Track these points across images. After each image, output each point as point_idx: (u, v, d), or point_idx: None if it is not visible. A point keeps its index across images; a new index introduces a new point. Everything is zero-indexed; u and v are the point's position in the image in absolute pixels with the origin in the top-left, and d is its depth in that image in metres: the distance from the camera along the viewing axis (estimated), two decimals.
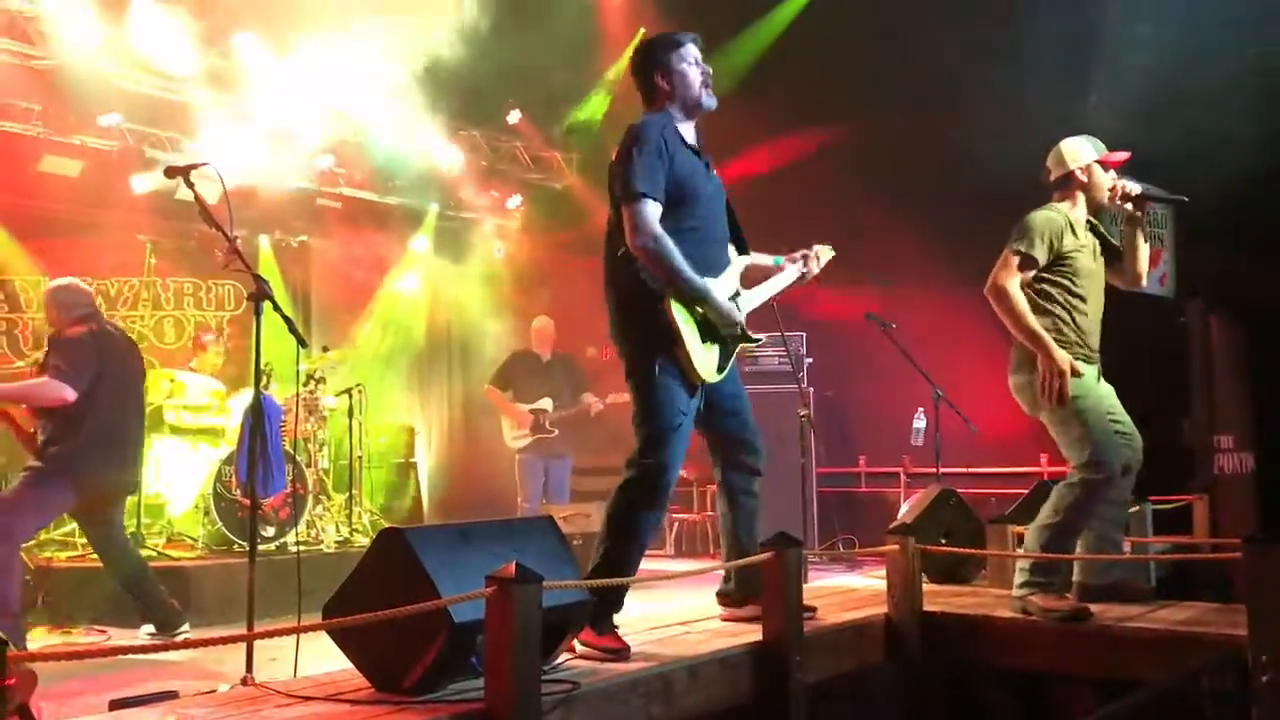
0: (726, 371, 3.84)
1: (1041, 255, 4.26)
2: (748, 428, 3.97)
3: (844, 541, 8.38)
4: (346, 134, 9.95)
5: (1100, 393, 4.30)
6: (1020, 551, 4.97)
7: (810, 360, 9.09)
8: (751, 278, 4.10)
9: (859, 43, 8.51)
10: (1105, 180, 4.35)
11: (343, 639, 2.99)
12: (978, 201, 6.81)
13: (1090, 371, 4.27)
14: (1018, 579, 4.26)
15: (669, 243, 3.54)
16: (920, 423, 6.97)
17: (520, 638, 2.66)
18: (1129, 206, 4.36)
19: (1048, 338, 4.16)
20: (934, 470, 6.78)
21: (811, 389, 8.96)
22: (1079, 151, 4.40)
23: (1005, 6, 7.92)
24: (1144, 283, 4.42)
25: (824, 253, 4.29)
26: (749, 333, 3.86)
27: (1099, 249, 4.45)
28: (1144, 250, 4.40)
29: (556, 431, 7.89)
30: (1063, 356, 4.12)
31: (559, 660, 3.30)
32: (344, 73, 9.51)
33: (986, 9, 7.97)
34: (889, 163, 8.50)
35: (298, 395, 7.09)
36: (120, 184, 8.94)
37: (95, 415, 5.30)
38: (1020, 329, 4.20)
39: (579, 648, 3.45)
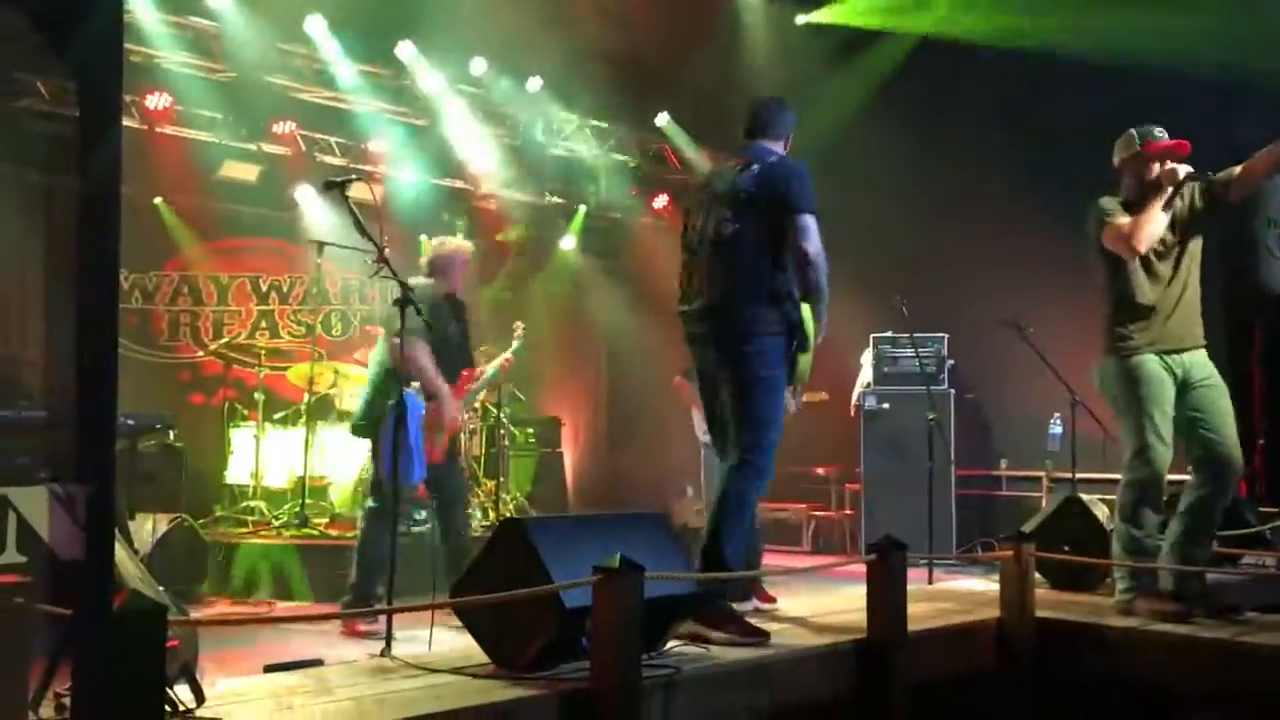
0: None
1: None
2: None
3: (982, 545, 8.29)
4: (500, 136, 10.39)
5: (1166, 389, 4.20)
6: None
7: (952, 362, 9.01)
8: None
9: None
10: (1153, 167, 4.27)
11: (467, 618, 3.26)
12: None
13: (1155, 362, 4.22)
14: (1120, 584, 4.34)
15: None
16: (1057, 428, 6.87)
17: (623, 623, 2.88)
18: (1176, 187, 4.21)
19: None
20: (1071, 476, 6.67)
21: (952, 391, 8.90)
22: (1126, 141, 4.38)
23: None
24: (1140, 247, 4.17)
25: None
26: None
27: (1180, 233, 4.29)
28: (1155, 217, 4.16)
29: None
30: None
31: (668, 646, 3.49)
32: (497, 76, 9.96)
33: None
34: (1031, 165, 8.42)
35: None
36: (293, 187, 9.61)
37: None
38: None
39: (712, 634, 3.59)
